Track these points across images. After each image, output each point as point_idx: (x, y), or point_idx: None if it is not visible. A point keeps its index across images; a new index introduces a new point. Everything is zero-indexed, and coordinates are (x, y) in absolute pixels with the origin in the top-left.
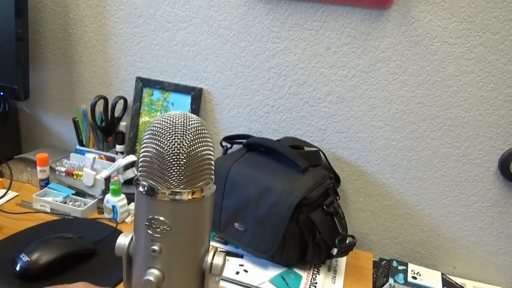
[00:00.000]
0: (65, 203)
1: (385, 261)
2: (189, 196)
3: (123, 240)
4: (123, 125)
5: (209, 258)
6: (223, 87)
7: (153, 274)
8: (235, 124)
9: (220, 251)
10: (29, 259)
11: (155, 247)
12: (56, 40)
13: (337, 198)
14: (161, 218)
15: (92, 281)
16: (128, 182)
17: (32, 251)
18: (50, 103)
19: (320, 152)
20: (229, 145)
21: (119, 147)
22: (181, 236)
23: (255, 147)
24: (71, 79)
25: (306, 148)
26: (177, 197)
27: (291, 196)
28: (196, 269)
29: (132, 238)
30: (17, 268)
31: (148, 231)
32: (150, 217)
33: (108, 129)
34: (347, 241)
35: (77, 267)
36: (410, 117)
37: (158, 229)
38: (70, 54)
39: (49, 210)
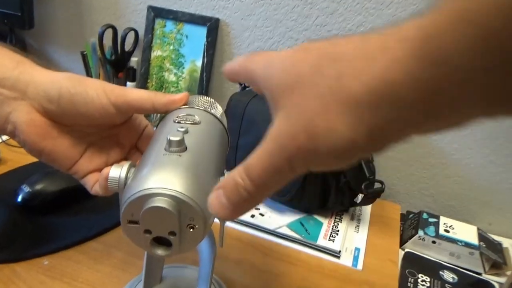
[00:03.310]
0: None
1: (413, 214)
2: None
3: (116, 172)
4: (134, 60)
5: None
6: (242, 18)
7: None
8: None
9: None
10: (30, 190)
11: (181, 129)
12: None
13: None
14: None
15: (96, 219)
16: None
17: (34, 182)
18: (58, 36)
19: None
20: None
21: (130, 84)
22: (206, 137)
23: None
24: (79, 11)
25: None
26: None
27: None
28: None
29: (129, 167)
30: (19, 199)
31: (176, 123)
32: (182, 114)
33: (118, 63)
34: (374, 187)
35: (81, 203)
36: None
37: (188, 120)
38: None
39: None
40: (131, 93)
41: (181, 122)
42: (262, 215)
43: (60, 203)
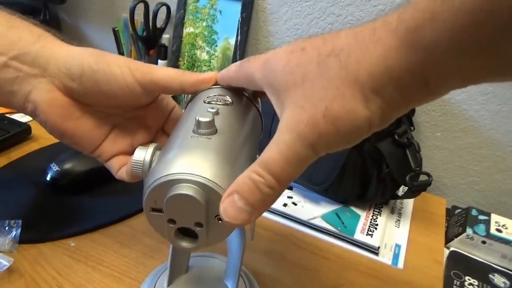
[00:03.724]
0: None
1: (460, 210)
2: None
3: (140, 155)
4: (166, 37)
5: None
6: None
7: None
8: (292, 37)
9: None
10: (59, 169)
11: (212, 110)
12: None
13: (412, 128)
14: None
15: (124, 201)
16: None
17: (63, 161)
18: (90, 12)
19: None
20: None
21: (161, 62)
22: (239, 120)
23: None
24: None
25: None
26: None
27: None
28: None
29: (154, 150)
30: (48, 178)
31: (206, 103)
32: (213, 94)
33: (150, 40)
34: (419, 180)
35: (110, 184)
36: None
37: (219, 101)
38: None
39: None
40: (157, 71)
41: (212, 102)
42: (295, 204)
43: (89, 184)
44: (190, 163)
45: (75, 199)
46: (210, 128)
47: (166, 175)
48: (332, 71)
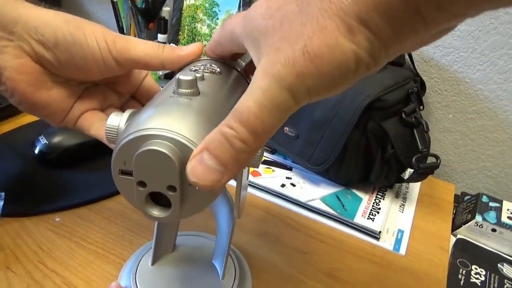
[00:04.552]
0: None
1: (470, 196)
2: None
3: (114, 120)
4: (166, 10)
5: None
6: None
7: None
8: None
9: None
10: (47, 142)
11: (197, 74)
12: None
13: (421, 107)
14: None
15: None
16: (168, 77)
17: (52, 134)
18: None
19: None
20: None
21: (161, 37)
22: (227, 89)
23: None
24: None
25: None
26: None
27: (359, 96)
28: None
29: (130, 116)
30: (36, 152)
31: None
32: (200, 64)
33: (149, 13)
34: (427, 162)
35: (100, 159)
36: None
37: (207, 69)
38: None
39: None
40: (135, 48)
41: (198, 70)
42: (293, 185)
43: (79, 158)
44: (165, 120)
45: (64, 174)
46: (192, 88)
47: (137, 130)
48: (312, 5)
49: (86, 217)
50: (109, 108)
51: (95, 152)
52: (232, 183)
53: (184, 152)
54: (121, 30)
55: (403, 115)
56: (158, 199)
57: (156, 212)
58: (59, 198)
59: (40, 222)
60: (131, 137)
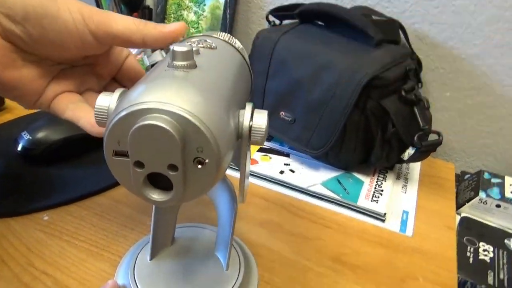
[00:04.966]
0: None
1: (470, 175)
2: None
3: (104, 100)
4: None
5: (245, 115)
6: None
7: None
8: None
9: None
10: (31, 138)
11: (192, 47)
12: None
13: (419, 85)
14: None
15: (104, 172)
16: None
17: (36, 129)
18: None
19: (400, 27)
20: (277, 21)
21: None
22: (223, 63)
23: (311, 16)
24: None
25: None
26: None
27: (357, 74)
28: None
29: (121, 95)
30: (19, 148)
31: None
32: (194, 39)
33: (133, 2)
34: (428, 139)
35: (89, 153)
36: None
37: (201, 44)
38: None
39: None
40: (115, 21)
41: (192, 45)
42: (292, 171)
43: (65, 153)
44: (162, 93)
45: (51, 170)
46: (188, 60)
47: (131, 105)
48: None
49: (76, 214)
50: (88, 91)
51: (82, 146)
52: (232, 173)
53: (185, 126)
54: None
55: (403, 93)
56: (157, 181)
57: (156, 195)
58: (46, 195)
59: (27, 222)
60: (124, 112)
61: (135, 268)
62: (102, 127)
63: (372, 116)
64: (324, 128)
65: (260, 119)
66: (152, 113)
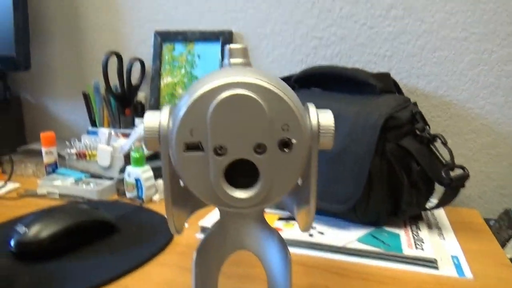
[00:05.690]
0: (77, 186)
1: (495, 219)
2: None
3: (152, 117)
4: (141, 95)
5: (311, 111)
6: (258, 26)
7: None
8: (277, 69)
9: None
10: (27, 230)
11: None
12: (59, 7)
13: (427, 126)
14: None
15: (112, 261)
16: (152, 157)
17: (32, 221)
18: (56, 83)
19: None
20: None
21: (138, 121)
22: None
23: (309, 80)
24: (79, 53)
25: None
26: None
27: (371, 117)
28: None
29: (171, 112)
30: (12, 244)
31: None
32: None
33: (125, 98)
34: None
35: (94, 244)
36: (503, 17)
37: None
38: (75, 20)
39: (57, 196)
40: None
41: None
42: (321, 233)
43: (66, 245)
44: (230, 76)
45: (51, 266)
46: (245, 57)
47: (206, 86)
48: None
49: None
50: None
51: (86, 235)
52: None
53: (269, 98)
54: (93, 124)
55: (418, 132)
56: (234, 182)
57: (237, 193)
58: None
59: None
60: (201, 91)
61: None
62: (151, 149)
63: (393, 159)
64: (349, 176)
65: (327, 118)
66: (235, 87)
